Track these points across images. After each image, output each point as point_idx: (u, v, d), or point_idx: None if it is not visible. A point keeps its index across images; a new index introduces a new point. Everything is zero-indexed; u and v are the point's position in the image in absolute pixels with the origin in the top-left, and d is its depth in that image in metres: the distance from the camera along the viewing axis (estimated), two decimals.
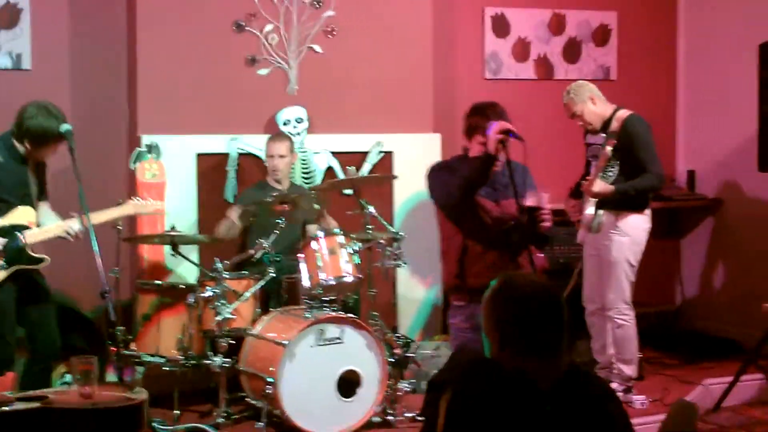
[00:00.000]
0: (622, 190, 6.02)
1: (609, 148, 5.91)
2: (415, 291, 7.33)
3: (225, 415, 5.75)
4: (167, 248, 6.14)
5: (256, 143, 6.89)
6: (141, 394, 4.02)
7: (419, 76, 7.34)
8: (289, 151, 6.60)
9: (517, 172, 5.03)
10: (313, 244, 5.90)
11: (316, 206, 6.54)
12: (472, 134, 5.07)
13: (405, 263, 6.08)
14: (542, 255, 5.54)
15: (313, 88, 7.09)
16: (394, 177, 6.95)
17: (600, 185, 6.02)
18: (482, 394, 2.56)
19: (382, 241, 6.05)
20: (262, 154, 6.80)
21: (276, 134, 6.73)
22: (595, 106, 6.16)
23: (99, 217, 5.43)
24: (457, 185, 4.83)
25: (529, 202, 5.01)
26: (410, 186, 6.81)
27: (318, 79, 7.09)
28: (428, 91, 7.33)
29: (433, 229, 4.78)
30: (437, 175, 5.07)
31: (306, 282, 5.87)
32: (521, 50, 8.03)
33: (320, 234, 5.92)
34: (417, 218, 6.90)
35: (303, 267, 5.89)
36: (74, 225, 5.36)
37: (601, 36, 8.26)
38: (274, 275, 5.95)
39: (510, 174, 4.97)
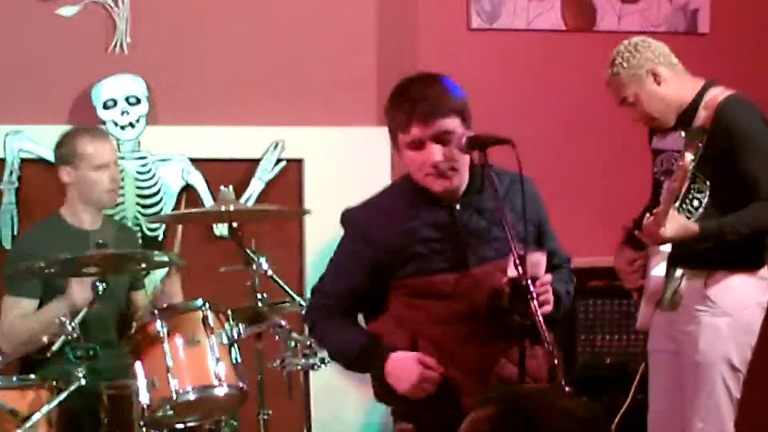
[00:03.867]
0: (716, 232, 4.85)
1: (690, 157, 4.76)
2: (344, 409, 5.93)
3: None
4: None
5: (50, 140, 5.47)
6: None
7: (356, 28, 5.93)
8: (116, 155, 5.54)
9: (509, 197, 3.66)
10: (157, 326, 4.64)
11: (162, 257, 5.14)
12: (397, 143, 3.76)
13: (325, 363, 4.80)
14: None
15: (161, 44, 5.76)
16: (305, 212, 5.71)
17: (676, 223, 4.82)
18: None
19: (282, 322, 4.78)
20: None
21: (93, 128, 5.48)
22: (662, 88, 4.99)
23: None
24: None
25: (511, 271, 3.77)
26: (333, 222, 5.07)
27: (169, 27, 5.75)
28: (370, 55, 5.88)
29: None
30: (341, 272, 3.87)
31: (144, 397, 4.65)
32: None
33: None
34: None
35: (139, 369, 4.71)
36: None
37: None
38: (86, 383, 4.73)
39: (492, 208, 3.65)
